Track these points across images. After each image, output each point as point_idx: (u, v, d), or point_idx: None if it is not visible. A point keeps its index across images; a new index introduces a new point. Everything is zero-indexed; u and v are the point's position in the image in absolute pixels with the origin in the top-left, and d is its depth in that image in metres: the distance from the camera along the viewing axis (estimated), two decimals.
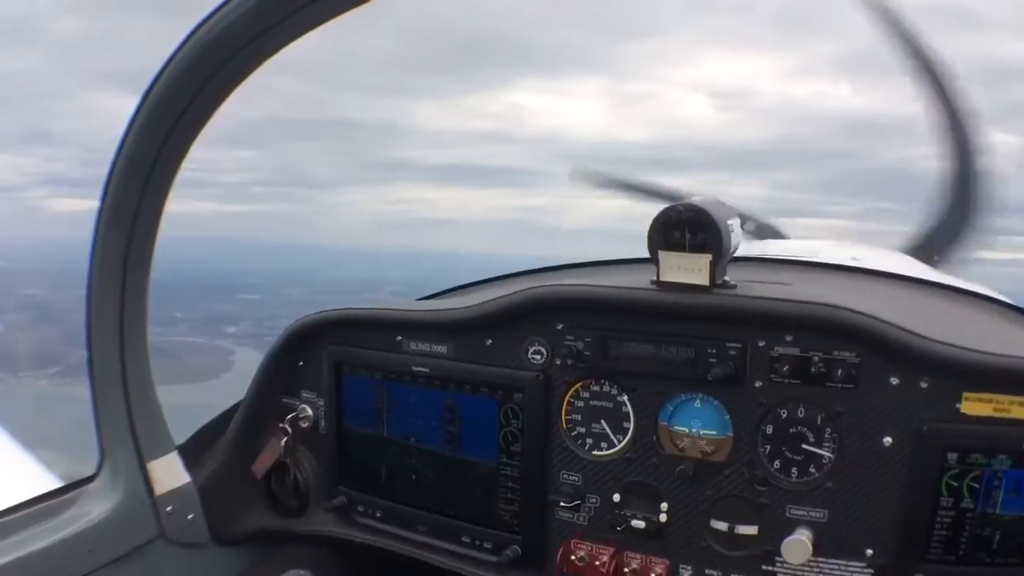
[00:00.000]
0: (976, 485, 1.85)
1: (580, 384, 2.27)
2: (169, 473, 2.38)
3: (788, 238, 6.83)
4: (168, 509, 2.36)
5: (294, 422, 2.63)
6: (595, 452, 2.28)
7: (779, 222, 7.27)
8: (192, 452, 2.57)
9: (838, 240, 5.52)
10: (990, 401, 1.84)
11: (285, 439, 2.62)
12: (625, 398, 2.22)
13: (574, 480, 2.30)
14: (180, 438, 2.55)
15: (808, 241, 6.10)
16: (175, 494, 2.38)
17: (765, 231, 7.06)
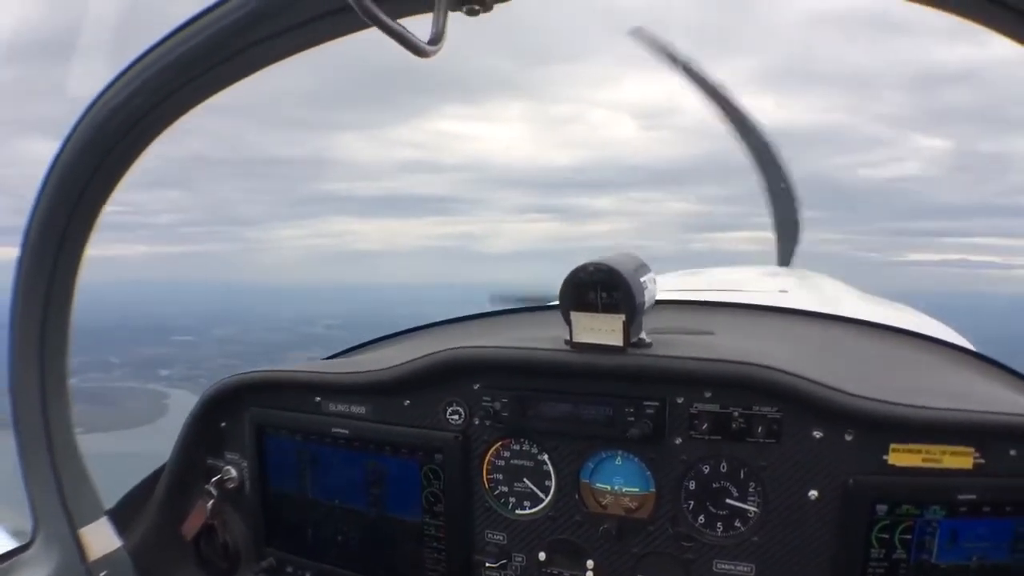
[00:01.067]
0: (908, 536, 1.83)
1: (500, 443, 2.26)
2: (101, 538, 2.33)
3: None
4: (103, 574, 2.32)
5: (220, 484, 2.60)
6: (518, 511, 2.27)
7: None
8: (122, 515, 2.52)
9: (771, 271, 5.47)
10: (919, 452, 1.82)
11: (211, 501, 2.58)
12: (545, 457, 2.21)
13: (499, 539, 2.29)
14: (119, 490, 2.55)
15: (740, 270, 6.25)
16: (108, 559, 2.33)
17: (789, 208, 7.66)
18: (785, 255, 7.74)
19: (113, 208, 2.00)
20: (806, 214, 8.01)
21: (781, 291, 4.13)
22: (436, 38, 1.10)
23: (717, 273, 5.99)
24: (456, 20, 1.16)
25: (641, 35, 8.06)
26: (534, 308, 3.01)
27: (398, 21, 1.06)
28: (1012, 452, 1.75)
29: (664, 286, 2.40)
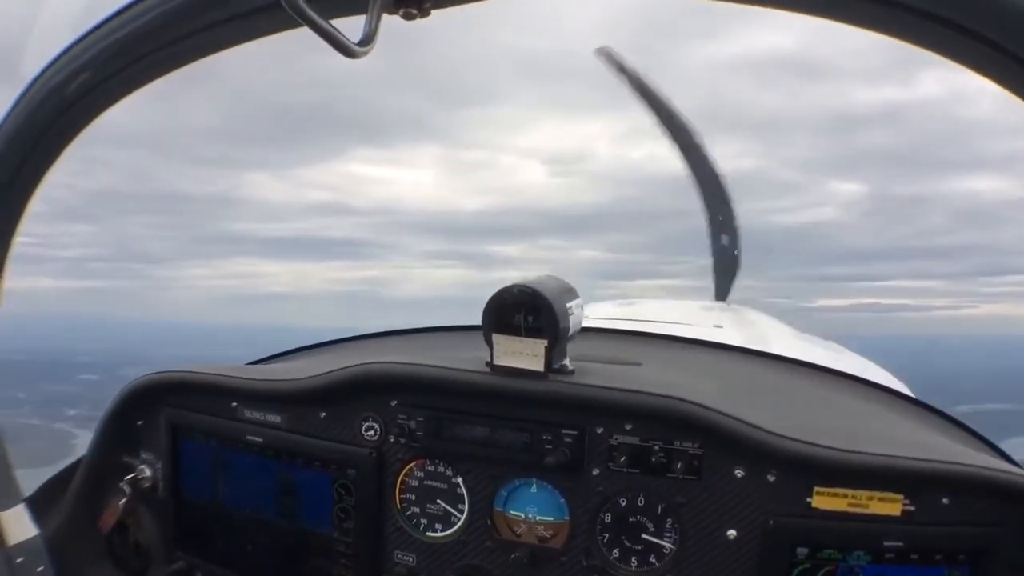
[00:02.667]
0: None
1: (414, 463, 2.22)
2: (17, 525, 2.24)
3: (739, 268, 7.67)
4: (19, 561, 2.27)
5: (134, 482, 2.54)
6: (429, 533, 2.23)
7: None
8: (41, 504, 2.46)
9: (707, 306, 5.53)
10: (845, 496, 1.80)
11: (124, 499, 2.54)
12: (460, 480, 2.17)
13: (408, 560, 2.25)
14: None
15: (676, 303, 6.37)
16: (23, 547, 2.26)
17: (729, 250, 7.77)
18: (722, 290, 7.80)
19: (19, 239, 1.88)
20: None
21: (716, 326, 4.20)
22: (367, 39, 1.08)
23: (653, 305, 5.93)
24: (389, 27, 1.12)
25: (605, 55, 8.07)
26: (463, 328, 2.96)
27: (330, 22, 1.04)
28: (945, 500, 1.75)
29: (598, 314, 2.90)
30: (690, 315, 4.66)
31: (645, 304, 5.96)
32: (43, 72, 1.60)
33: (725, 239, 7.89)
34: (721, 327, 4.08)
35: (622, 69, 7.82)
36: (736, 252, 7.89)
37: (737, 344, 3.23)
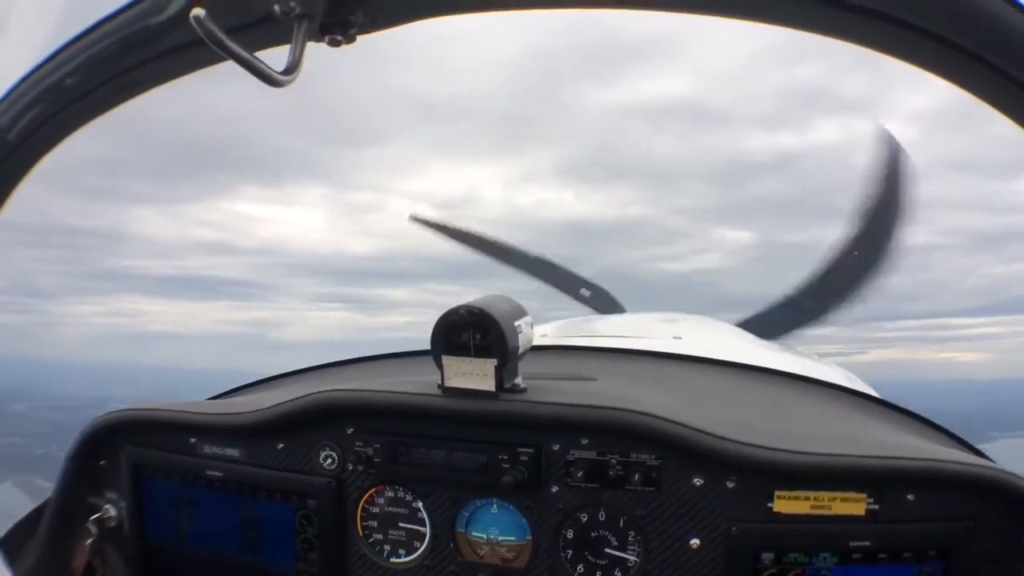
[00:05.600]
0: None
1: (374, 490, 2.20)
2: None
3: (625, 311, 7.85)
4: None
5: (100, 522, 2.50)
6: (393, 559, 2.21)
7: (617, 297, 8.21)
8: (12, 546, 2.51)
9: (668, 317, 5.33)
10: (808, 499, 1.79)
11: (91, 540, 2.49)
12: (420, 504, 2.16)
13: None
14: None
15: (636, 316, 6.41)
16: None
17: (605, 302, 8.16)
18: (616, 311, 8.02)
19: None
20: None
21: (675, 337, 4.17)
22: (291, 68, 1.08)
23: (612, 320, 5.94)
24: (312, 54, 1.12)
25: (418, 219, 8.95)
26: (417, 353, 2.93)
27: (256, 54, 1.05)
28: (910, 497, 1.74)
29: (555, 331, 2.80)
30: (650, 328, 4.67)
31: (604, 320, 5.94)
32: None
33: (585, 292, 8.38)
34: (680, 338, 4.09)
35: (435, 226, 8.63)
36: (602, 292, 8.34)
37: (697, 354, 3.23)
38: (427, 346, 2.04)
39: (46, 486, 2.78)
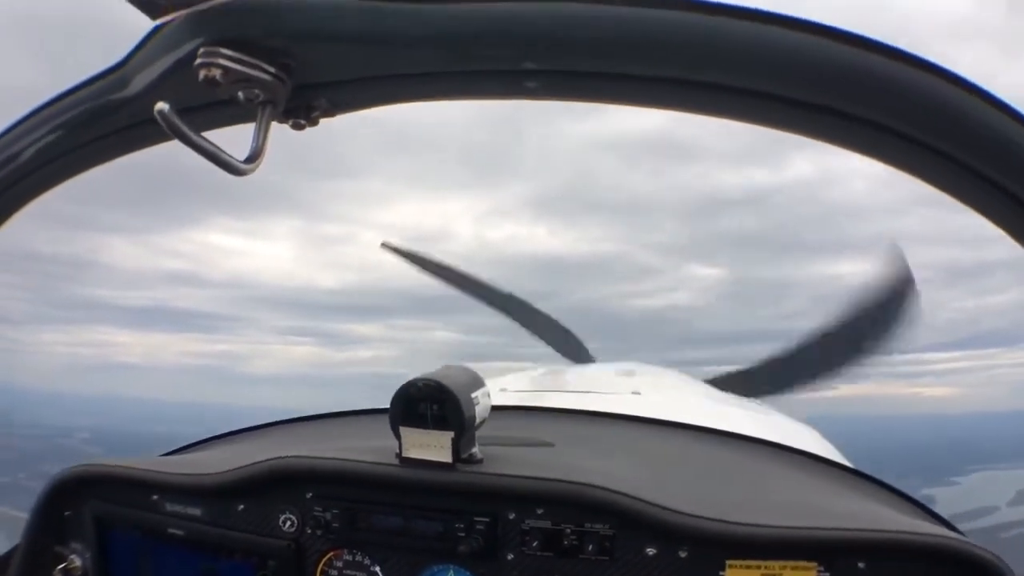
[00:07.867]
0: None
1: (332, 553, 2.20)
2: None
3: (588, 352, 8.12)
4: None
5: (66, 572, 2.47)
6: None
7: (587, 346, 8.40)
8: None
9: (626, 369, 5.40)
10: (759, 567, 1.82)
11: None
12: (378, 569, 2.16)
13: None
14: None
15: (594, 367, 6.76)
16: None
17: (570, 345, 8.34)
18: (577, 354, 8.20)
19: None
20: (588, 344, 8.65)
21: (634, 392, 4.19)
22: (254, 155, 1.06)
23: (570, 372, 6.11)
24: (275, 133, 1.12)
25: (389, 247, 8.98)
26: (376, 411, 2.94)
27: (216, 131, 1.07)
28: (860, 565, 1.77)
29: (515, 386, 2.82)
30: (608, 382, 4.69)
31: (562, 374, 5.99)
32: None
33: (550, 334, 8.57)
34: (639, 394, 4.12)
35: (405, 255, 8.76)
36: (568, 334, 8.49)
37: (654, 413, 3.28)
38: (390, 387, 2.07)
39: (15, 515, 2.82)
